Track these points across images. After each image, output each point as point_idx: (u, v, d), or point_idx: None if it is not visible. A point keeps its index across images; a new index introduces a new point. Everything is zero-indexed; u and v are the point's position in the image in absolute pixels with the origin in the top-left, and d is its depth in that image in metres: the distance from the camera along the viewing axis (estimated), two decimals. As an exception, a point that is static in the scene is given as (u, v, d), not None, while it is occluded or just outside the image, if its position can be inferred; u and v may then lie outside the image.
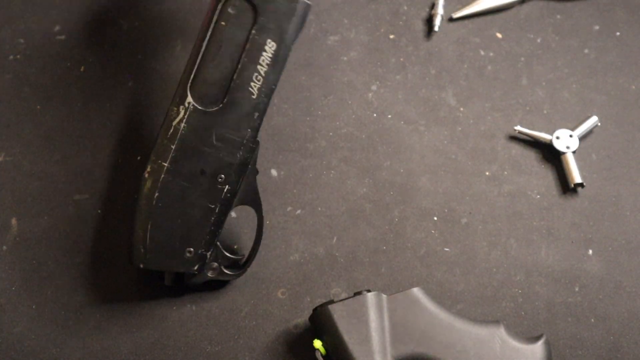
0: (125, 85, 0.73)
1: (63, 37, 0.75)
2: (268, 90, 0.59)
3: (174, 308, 0.63)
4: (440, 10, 0.76)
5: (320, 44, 0.76)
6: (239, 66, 0.59)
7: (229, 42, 0.58)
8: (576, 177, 0.68)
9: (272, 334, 0.62)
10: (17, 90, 0.72)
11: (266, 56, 0.59)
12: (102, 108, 0.72)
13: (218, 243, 0.61)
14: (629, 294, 0.64)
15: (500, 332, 0.58)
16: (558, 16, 0.77)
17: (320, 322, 0.59)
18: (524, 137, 0.71)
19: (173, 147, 0.58)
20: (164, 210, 0.58)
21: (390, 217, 0.67)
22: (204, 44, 0.59)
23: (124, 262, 0.65)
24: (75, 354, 0.61)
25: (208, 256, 0.60)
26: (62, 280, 0.64)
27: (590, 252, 0.66)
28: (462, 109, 0.72)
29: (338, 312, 0.58)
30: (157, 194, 0.58)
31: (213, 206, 0.59)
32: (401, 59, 0.75)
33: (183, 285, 0.62)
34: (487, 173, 0.69)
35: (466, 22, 0.77)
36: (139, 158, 0.69)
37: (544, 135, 0.70)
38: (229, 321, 0.63)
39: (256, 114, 0.59)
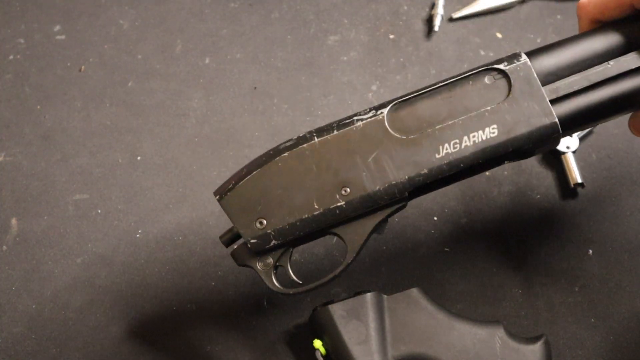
0: (125, 85, 0.73)
1: (63, 37, 0.75)
2: (455, 162, 0.53)
3: (174, 308, 0.63)
4: (440, 10, 0.76)
5: (320, 44, 0.76)
6: (450, 122, 0.53)
7: (462, 99, 0.53)
8: (576, 177, 0.68)
9: (272, 334, 0.62)
10: (17, 90, 0.73)
11: (480, 135, 0.53)
12: (102, 108, 0.72)
13: (292, 250, 0.55)
14: (629, 294, 0.64)
15: (500, 332, 0.58)
16: (558, 16, 0.77)
17: (320, 322, 0.59)
18: (524, 137, 0.71)
19: (334, 132, 0.53)
20: (279, 172, 0.53)
21: (391, 217, 0.67)
22: (441, 83, 0.54)
23: (124, 262, 0.65)
24: (75, 354, 0.61)
25: (271, 244, 0.53)
26: (62, 280, 0.64)
27: (590, 252, 0.66)
28: (462, 109, 0.72)
29: (338, 312, 0.58)
30: (286, 154, 0.54)
31: (317, 207, 0.53)
32: (401, 59, 0.75)
33: (231, 253, 0.56)
34: (487, 173, 0.69)
35: (466, 22, 0.77)
36: (139, 158, 0.69)
37: (544, 135, 0.70)
38: (229, 321, 0.63)
39: (424, 171, 0.53)
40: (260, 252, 0.54)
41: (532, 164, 0.70)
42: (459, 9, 0.77)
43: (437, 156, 0.53)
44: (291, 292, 0.55)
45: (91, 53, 0.75)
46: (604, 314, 0.63)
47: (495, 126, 0.52)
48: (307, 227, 0.53)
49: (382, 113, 0.53)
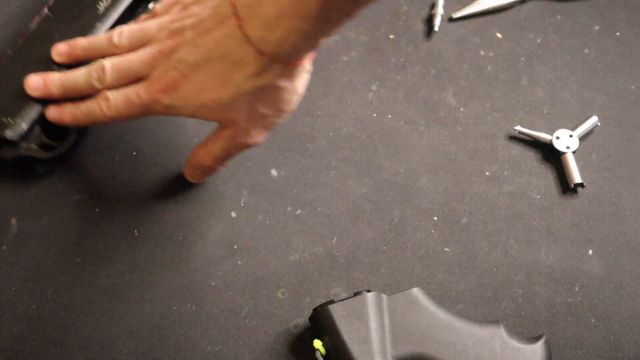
0: (125, 85, 0.73)
1: (63, 37, 0.75)
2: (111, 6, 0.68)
3: (174, 308, 0.63)
4: (440, 10, 0.76)
5: (320, 44, 0.76)
6: None
7: None
8: (576, 177, 0.68)
9: (272, 334, 0.62)
10: (17, 90, 0.72)
11: None
12: (102, 108, 0.72)
13: (38, 126, 0.64)
14: (629, 294, 0.64)
15: (500, 332, 0.58)
16: (558, 16, 0.77)
17: (320, 322, 0.59)
18: (524, 137, 0.71)
19: (20, 41, 0.67)
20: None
21: (390, 217, 0.67)
22: None
23: (123, 262, 0.65)
24: (75, 354, 0.61)
25: (24, 128, 0.63)
26: (62, 280, 0.64)
27: (590, 252, 0.66)
28: (462, 109, 0.72)
29: (338, 312, 0.58)
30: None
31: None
32: (401, 59, 0.75)
33: None
34: (487, 173, 0.69)
35: (466, 22, 0.77)
36: (134, 153, 0.69)
37: (544, 135, 0.70)
38: (229, 321, 0.63)
39: (97, 24, 0.67)
40: (19, 140, 0.64)
41: (532, 164, 0.70)
42: (459, 9, 0.77)
43: (99, 13, 0.68)
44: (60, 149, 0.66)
45: (91, 53, 0.74)
46: (604, 314, 0.63)
47: None
48: (31, 101, 0.64)
49: (45, 12, 0.68)
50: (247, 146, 0.61)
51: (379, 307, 0.58)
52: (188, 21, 0.57)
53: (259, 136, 0.61)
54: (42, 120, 0.65)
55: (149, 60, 0.59)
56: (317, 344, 0.59)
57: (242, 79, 0.56)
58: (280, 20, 0.52)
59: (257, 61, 0.55)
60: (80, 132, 0.68)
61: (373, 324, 0.58)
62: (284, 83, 0.57)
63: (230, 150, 0.62)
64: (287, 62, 0.55)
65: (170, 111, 0.59)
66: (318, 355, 0.58)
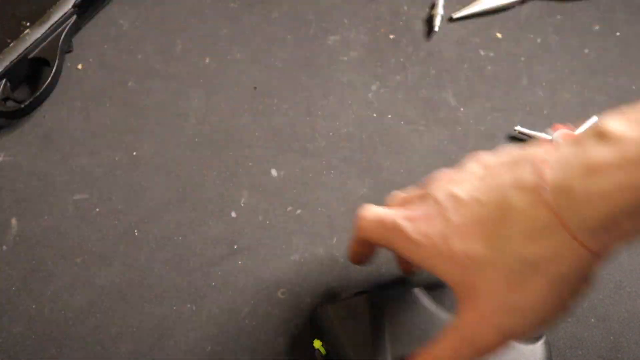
0: (125, 85, 0.73)
1: (63, 37, 0.75)
2: None
3: (174, 308, 0.63)
4: (440, 10, 0.76)
5: (320, 44, 0.76)
6: None
7: None
8: (576, 177, 0.68)
9: (272, 334, 0.62)
10: (17, 90, 0.73)
11: None
12: (102, 108, 0.72)
13: (6, 81, 0.67)
14: (629, 294, 0.64)
15: (500, 332, 0.58)
16: (558, 16, 0.77)
17: (320, 322, 0.59)
18: (524, 137, 0.71)
19: None
20: None
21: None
22: None
23: (124, 262, 0.65)
24: (75, 354, 0.61)
25: None
26: (62, 280, 0.64)
27: (590, 252, 0.66)
28: (462, 109, 0.72)
29: (338, 312, 0.58)
30: None
31: (10, 40, 0.67)
32: (401, 59, 0.75)
33: None
34: (487, 173, 0.69)
35: (466, 22, 0.77)
36: (138, 158, 0.69)
37: (544, 136, 0.70)
38: (229, 321, 0.63)
39: None
40: None
41: (532, 164, 0.70)
42: (459, 9, 0.77)
43: None
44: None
45: (91, 53, 0.75)
46: (604, 314, 0.63)
47: None
48: (13, 56, 0.67)
49: None
50: (483, 350, 0.43)
51: (379, 307, 0.58)
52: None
53: (511, 336, 0.42)
54: (9, 74, 0.66)
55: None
56: (317, 344, 0.59)
57: (520, 242, 0.40)
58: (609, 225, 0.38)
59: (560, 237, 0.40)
60: (44, 92, 0.70)
61: (373, 324, 0.57)
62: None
63: (462, 351, 0.43)
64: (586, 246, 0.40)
65: (406, 249, 0.48)
66: (318, 355, 0.58)
